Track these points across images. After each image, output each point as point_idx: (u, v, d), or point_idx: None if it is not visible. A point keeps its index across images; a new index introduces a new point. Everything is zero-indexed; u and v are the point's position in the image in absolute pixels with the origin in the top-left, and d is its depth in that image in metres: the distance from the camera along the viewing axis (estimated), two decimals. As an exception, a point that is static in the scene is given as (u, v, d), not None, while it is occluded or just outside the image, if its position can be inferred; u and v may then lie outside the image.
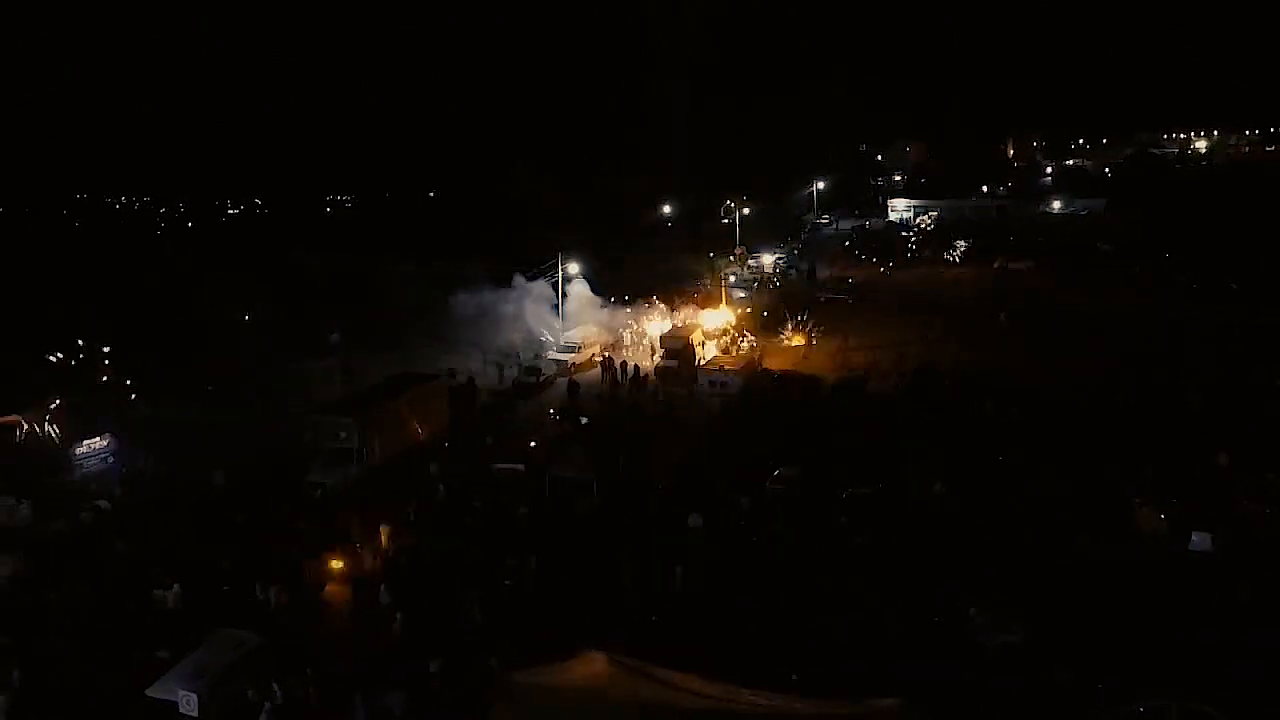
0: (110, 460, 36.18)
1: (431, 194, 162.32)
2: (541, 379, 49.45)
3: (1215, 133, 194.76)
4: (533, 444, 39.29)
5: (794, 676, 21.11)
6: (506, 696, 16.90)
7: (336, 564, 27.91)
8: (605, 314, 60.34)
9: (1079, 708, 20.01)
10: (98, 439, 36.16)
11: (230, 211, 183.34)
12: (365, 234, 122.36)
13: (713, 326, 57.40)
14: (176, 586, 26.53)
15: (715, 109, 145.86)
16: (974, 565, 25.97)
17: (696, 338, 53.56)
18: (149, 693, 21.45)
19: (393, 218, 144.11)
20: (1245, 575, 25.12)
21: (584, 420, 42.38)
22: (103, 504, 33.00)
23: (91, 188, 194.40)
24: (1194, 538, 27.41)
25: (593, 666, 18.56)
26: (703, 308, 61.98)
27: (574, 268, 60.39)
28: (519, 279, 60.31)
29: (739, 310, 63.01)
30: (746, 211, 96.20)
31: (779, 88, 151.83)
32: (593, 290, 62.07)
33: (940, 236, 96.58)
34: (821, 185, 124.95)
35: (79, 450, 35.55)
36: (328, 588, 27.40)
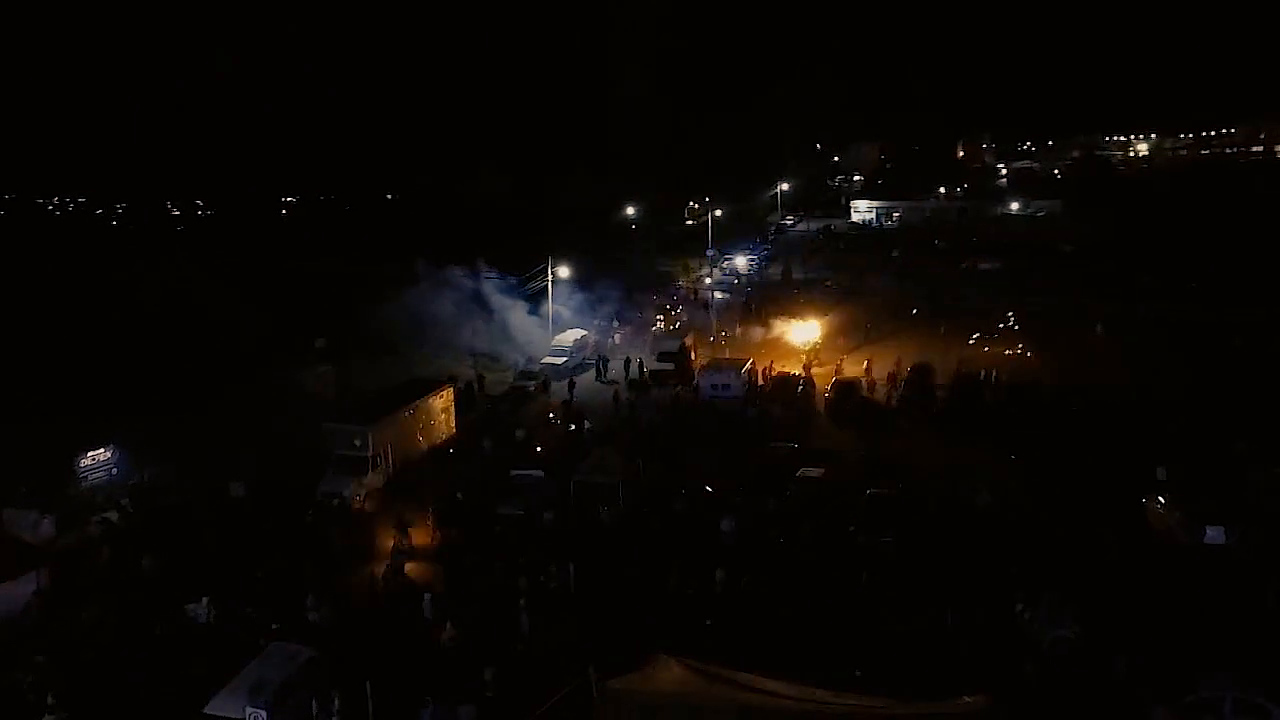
0: (114, 472, 35.30)
1: (389, 196, 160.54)
2: (538, 384, 49.24)
3: (1153, 135, 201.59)
4: (538, 449, 39.33)
5: (858, 673, 21.51)
6: (604, 702, 17.01)
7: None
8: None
9: (1137, 699, 20.70)
10: (101, 450, 35.24)
11: (174, 213, 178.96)
12: (314, 235, 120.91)
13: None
14: (206, 599, 26.07)
15: (677, 111, 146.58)
16: (1014, 562, 26.66)
17: (691, 340, 53.87)
18: (208, 710, 21.04)
19: (343, 219, 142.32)
20: (1264, 567, 26.19)
21: (588, 424, 42.45)
22: (111, 516, 32.34)
23: (19, 187, 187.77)
24: (1208, 531, 28.45)
25: (671, 671, 18.78)
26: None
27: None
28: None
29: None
30: (719, 213, 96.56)
31: (739, 91, 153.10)
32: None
33: (911, 236, 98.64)
34: (785, 187, 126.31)
35: (83, 462, 34.61)
36: (369, 597, 27.16)
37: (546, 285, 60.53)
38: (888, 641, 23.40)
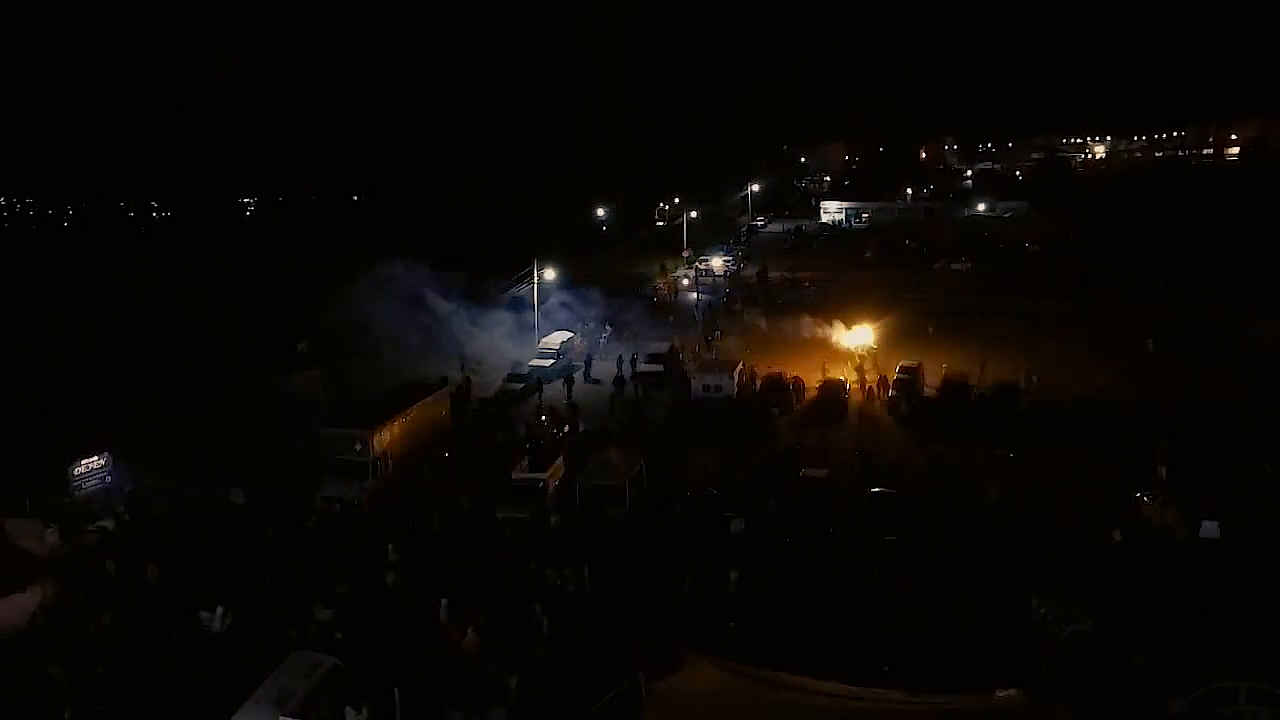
0: (108, 480, 34.69)
1: (355, 197, 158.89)
2: (528, 385, 49.02)
3: (1108, 138, 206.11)
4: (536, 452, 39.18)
5: (885, 669, 21.75)
6: (654, 705, 17.10)
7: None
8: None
9: (1153, 691, 21.24)
10: (95, 458, 34.61)
11: (129, 215, 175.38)
12: (289, 237, 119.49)
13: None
14: (221, 608, 25.74)
15: (647, 113, 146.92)
16: (1023, 558, 27.20)
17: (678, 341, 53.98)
18: (235, 720, 20.82)
19: (309, 220, 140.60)
20: (1260, 560, 26.98)
21: (582, 427, 42.42)
22: (107, 524, 31.78)
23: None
24: (1204, 525, 29.30)
25: (711, 673, 18.88)
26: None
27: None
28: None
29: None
30: (694, 215, 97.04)
31: (707, 92, 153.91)
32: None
33: (881, 237, 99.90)
34: (756, 188, 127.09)
35: (77, 470, 33.95)
36: (380, 602, 26.93)
37: (521, 287, 60.61)
38: (904, 639, 23.73)
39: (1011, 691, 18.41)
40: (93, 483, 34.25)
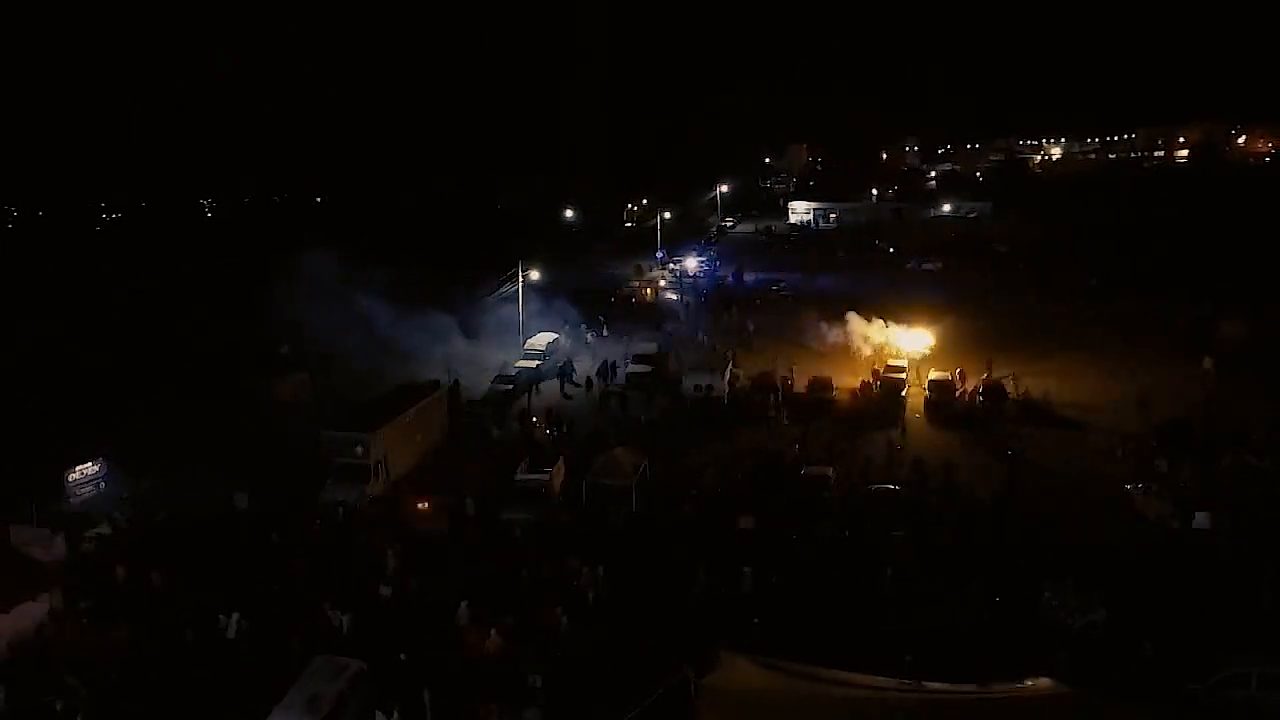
0: (103, 486, 34.08)
1: (319, 199, 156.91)
2: (519, 386, 48.89)
3: (1063, 140, 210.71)
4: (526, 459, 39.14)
5: (908, 658, 22.11)
6: (704, 700, 17.26)
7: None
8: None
9: (1166, 678, 21.88)
10: (90, 464, 33.99)
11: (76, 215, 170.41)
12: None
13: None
14: (236, 614, 25.48)
15: (615, 115, 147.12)
16: (1030, 553, 27.83)
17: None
18: (266, 727, 20.65)
19: (277, 221, 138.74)
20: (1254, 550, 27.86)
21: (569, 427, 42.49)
22: (104, 530, 31.23)
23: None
24: (1196, 517, 30.22)
25: (748, 668, 19.11)
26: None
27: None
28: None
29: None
30: (668, 215, 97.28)
31: (676, 94, 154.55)
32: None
33: (850, 238, 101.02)
34: (725, 189, 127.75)
35: (72, 477, 33.31)
36: (393, 604, 26.83)
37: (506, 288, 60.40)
38: (921, 634, 24.12)
39: (1040, 680, 18.88)
40: (87, 489, 33.64)
